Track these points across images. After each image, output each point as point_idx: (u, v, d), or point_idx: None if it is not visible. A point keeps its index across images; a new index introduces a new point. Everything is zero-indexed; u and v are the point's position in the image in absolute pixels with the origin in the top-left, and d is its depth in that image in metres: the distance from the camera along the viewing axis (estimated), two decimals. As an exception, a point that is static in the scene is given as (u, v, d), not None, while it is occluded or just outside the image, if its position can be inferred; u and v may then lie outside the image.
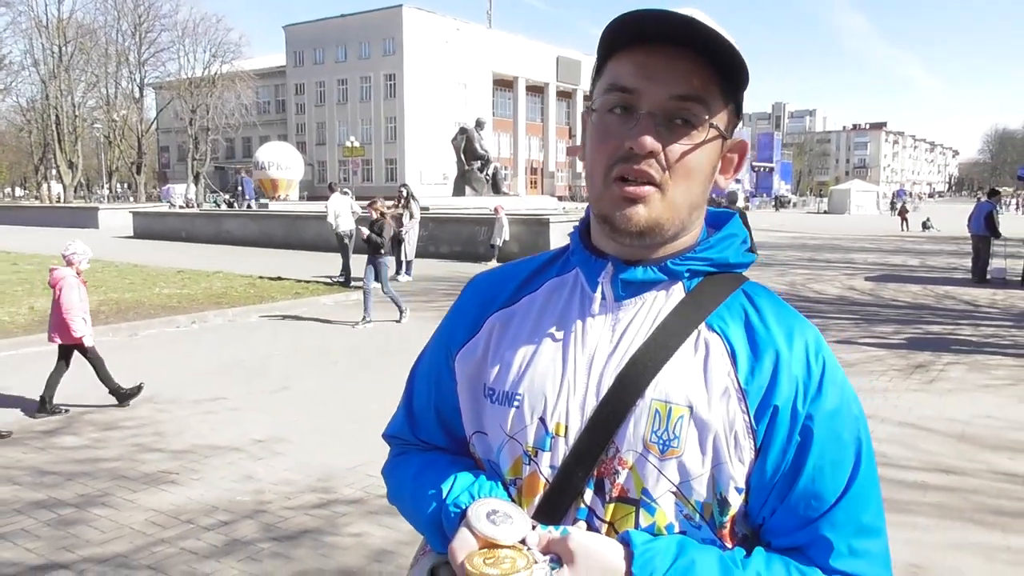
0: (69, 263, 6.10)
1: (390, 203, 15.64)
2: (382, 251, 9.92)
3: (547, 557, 0.88)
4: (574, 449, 0.93)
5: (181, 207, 42.15)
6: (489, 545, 0.88)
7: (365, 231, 9.98)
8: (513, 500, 0.96)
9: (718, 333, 0.95)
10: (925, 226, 32.47)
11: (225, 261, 16.87)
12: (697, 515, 0.92)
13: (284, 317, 10.51)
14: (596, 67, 0.98)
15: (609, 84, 0.92)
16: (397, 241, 13.74)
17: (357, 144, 57.68)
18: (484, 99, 67.25)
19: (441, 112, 63.92)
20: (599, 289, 0.98)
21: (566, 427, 0.94)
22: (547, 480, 0.95)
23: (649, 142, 0.89)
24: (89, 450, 5.15)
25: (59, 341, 6.00)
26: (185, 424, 5.72)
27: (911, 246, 23.99)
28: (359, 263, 11.13)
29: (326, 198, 15.70)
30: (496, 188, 25.37)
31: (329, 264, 15.71)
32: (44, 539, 3.81)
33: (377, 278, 9.90)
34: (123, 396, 6.15)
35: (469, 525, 0.90)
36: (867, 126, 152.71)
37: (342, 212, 13.91)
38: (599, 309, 0.98)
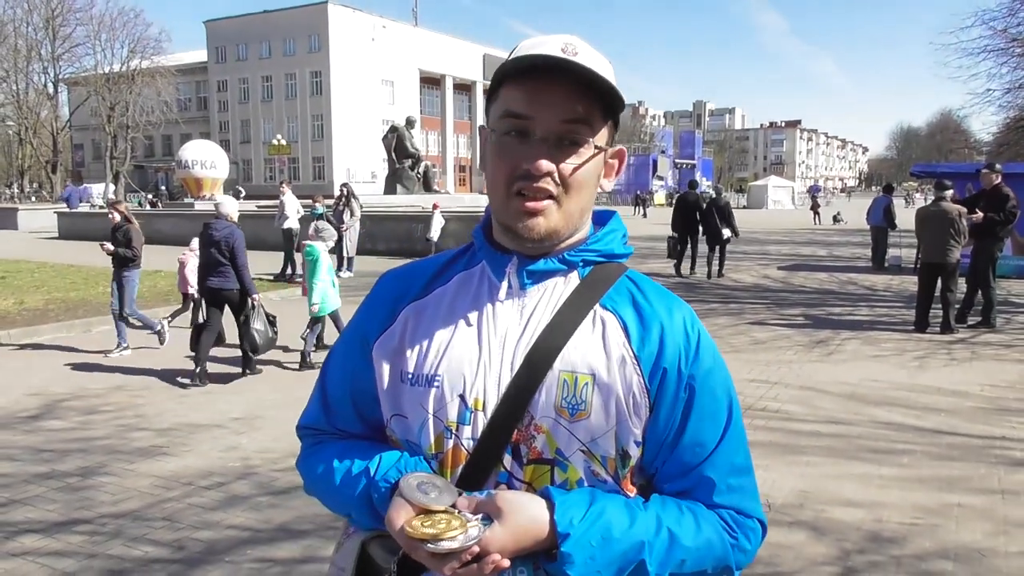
0: None
1: (330, 201, 16.03)
2: (130, 264, 8.04)
3: (478, 516, 0.98)
4: (492, 420, 1.04)
5: (100, 208, 40.88)
6: (423, 512, 0.98)
7: (109, 245, 8.02)
8: (435, 473, 1.06)
9: (611, 311, 1.10)
10: (836, 219, 34.59)
11: (162, 261, 16.89)
12: (602, 469, 1.06)
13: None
14: (490, 90, 1.09)
15: (504, 110, 1.04)
16: (338, 239, 14.13)
17: (283, 142, 56.89)
18: (412, 97, 67.40)
19: (368, 110, 63.78)
20: (506, 279, 1.10)
21: (484, 402, 1.05)
22: (468, 451, 1.05)
23: (545, 165, 1.02)
24: (78, 431, 5.56)
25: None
26: (163, 407, 6.16)
27: (821, 238, 25.67)
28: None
29: (262, 197, 15.93)
30: (428, 186, 25.74)
31: (269, 262, 15.98)
32: (59, 502, 4.27)
33: (120, 298, 8.06)
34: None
35: (403, 495, 1.00)
36: (783, 124, 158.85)
37: (290, 210, 14.23)
38: (506, 296, 1.10)
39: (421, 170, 25.74)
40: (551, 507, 0.99)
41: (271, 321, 7.10)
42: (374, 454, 1.09)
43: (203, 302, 7.48)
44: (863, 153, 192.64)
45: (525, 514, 0.98)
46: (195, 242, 9.09)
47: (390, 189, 25.47)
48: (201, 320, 7.47)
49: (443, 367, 1.07)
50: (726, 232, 14.54)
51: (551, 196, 1.04)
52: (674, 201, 16.63)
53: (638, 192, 52.35)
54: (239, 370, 7.21)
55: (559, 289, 1.10)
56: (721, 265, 14.79)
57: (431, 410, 1.07)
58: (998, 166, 9.97)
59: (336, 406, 1.19)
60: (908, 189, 65.97)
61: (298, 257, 13.29)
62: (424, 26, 69.84)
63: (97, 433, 5.50)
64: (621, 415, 1.05)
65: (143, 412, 6.03)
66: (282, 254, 14.60)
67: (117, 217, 8.13)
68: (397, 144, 25.12)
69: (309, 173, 64.94)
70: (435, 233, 17.56)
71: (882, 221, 16.21)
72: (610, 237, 1.15)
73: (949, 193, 9.20)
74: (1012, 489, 4.43)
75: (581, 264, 1.12)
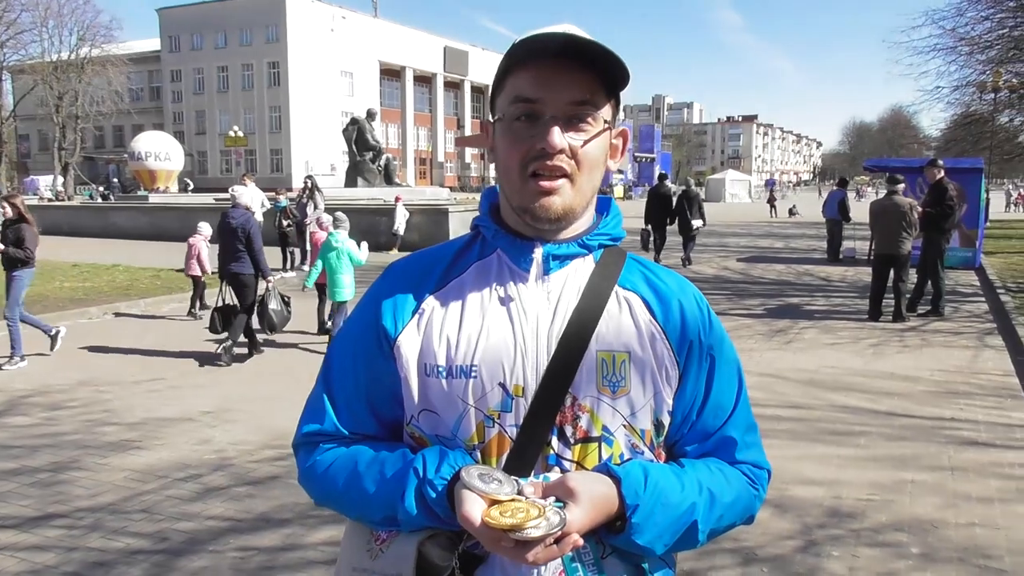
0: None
1: (293, 195, 15.88)
2: (19, 265, 7.35)
3: (549, 499, 0.99)
4: (534, 404, 1.06)
5: (50, 200, 39.81)
6: (490, 503, 0.96)
7: None
8: (478, 463, 1.07)
9: (631, 291, 1.14)
10: (791, 212, 35.34)
11: (119, 255, 16.62)
12: (640, 441, 1.12)
13: (201, 306, 10.75)
14: (496, 81, 1.11)
15: (514, 96, 1.06)
16: (300, 232, 14.02)
17: (240, 134, 55.98)
18: (371, 89, 66.79)
19: (327, 102, 63.07)
20: (533, 265, 1.12)
21: (524, 387, 1.07)
22: (511, 438, 1.07)
23: (559, 141, 1.04)
24: (44, 427, 5.50)
25: None
26: (131, 402, 6.12)
27: (778, 231, 26.26)
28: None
29: (218, 190, 15.74)
30: (389, 179, 25.62)
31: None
32: (33, 497, 4.25)
33: (8, 297, 7.41)
34: None
35: (472, 488, 0.98)
36: (740, 118, 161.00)
37: (255, 204, 14.05)
38: (533, 282, 1.12)
39: (382, 163, 25.64)
40: (616, 482, 1.03)
41: (286, 301, 7.71)
42: (407, 454, 1.09)
43: (223, 285, 7.80)
44: (817, 148, 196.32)
45: (597, 492, 1.01)
46: (204, 227, 9.97)
47: (351, 182, 25.29)
48: (221, 303, 7.67)
49: (479, 357, 1.08)
50: (696, 223, 15.19)
51: (565, 174, 1.06)
52: (647, 194, 17.06)
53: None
54: (213, 354, 7.48)
55: (579, 272, 1.14)
56: (686, 253, 15.37)
57: (470, 401, 1.07)
58: (940, 161, 10.37)
59: (348, 408, 1.16)
60: (860, 183, 67.59)
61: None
62: (384, 17, 69.22)
63: (65, 428, 5.46)
64: (657, 387, 1.11)
65: (111, 407, 5.99)
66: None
67: (10, 212, 7.42)
68: (358, 136, 24.97)
69: (267, 165, 63.99)
70: (400, 226, 17.55)
71: (837, 214, 16.66)
72: (616, 221, 1.20)
73: (901, 187, 9.54)
74: (960, 466, 4.67)
75: (596, 247, 1.16)
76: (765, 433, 4.65)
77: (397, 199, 18.09)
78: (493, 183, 1.25)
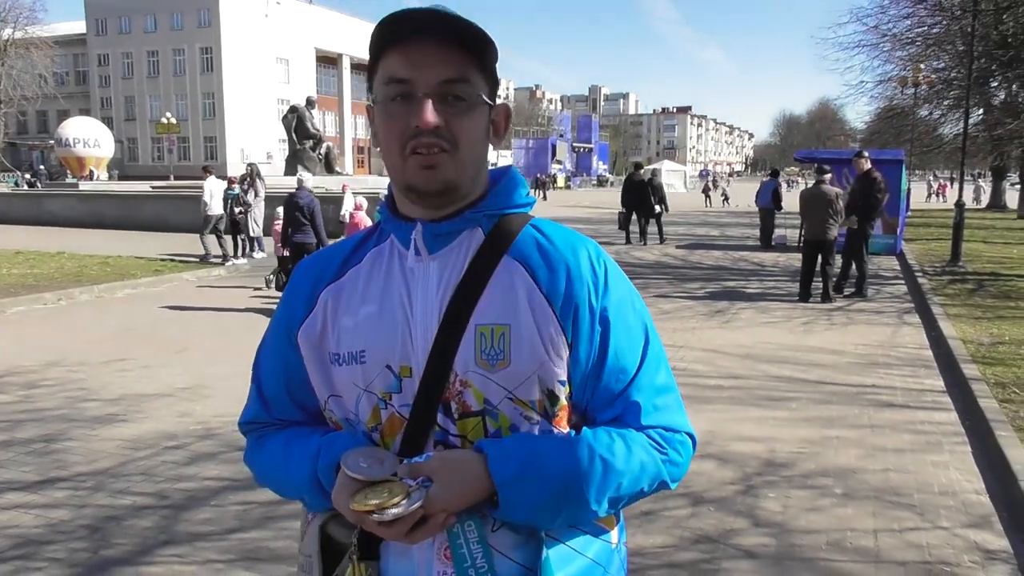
0: None
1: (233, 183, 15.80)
2: None
3: (418, 480, 1.02)
4: (421, 384, 1.08)
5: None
6: (368, 484, 1.01)
7: None
8: (377, 445, 1.10)
9: (517, 260, 1.12)
10: (725, 197, 37.01)
11: (60, 242, 16.33)
12: (533, 413, 1.10)
13: (154, 291, 10.83)
14: (370, 65, 1.12)
15: (388, 77, 1.07)
16: (234, 222, 13.82)
17: (173, 120, 54.54)
18: (308, 76, 65.91)
19: (263, 88, 61.99)
20: (412, 245, 1.13)
21: (410, 368, 1.09)
22: (403, 417, 1.09)
23: (432, 118, 1.04)
24: (26, 403, 5.66)
25: None
26: (105, 380, 6.30)
27: (713, 219, 27.28)
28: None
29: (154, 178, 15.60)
30: (329, 167, 25.46)
31: (176, 243, 15.77)
32: (33, 464, 4.47)
33: None
34: None
35: (345, 472, 1.03)
36: (675, 110, 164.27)
37: (216, 195, 13.99)
38: (415, 262, 1.12)
39: (323, 151, 25.46)
40: (483, 458, 1.04)
41: None
42: (316, 438, 1.14)
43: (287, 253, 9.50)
44: (749, 139, 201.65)
45: (459, 469, 1.03)
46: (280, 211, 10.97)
47: (291, 170, 24.99)
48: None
49: (367, 342, 1.11)
50: (658, 208, 17.56)
51: (443, 149, 1.06)
52: (623, 182, 19.35)
53: (538, 175, 53.42)
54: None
55: (465, 248, 1.13)
56: (660, 232, 17.84)
57: (363, 385, 1.10)
58: (866, 153, 11.17)
59: (272, 398, 1.23)
60: (790, 174, 69.97)
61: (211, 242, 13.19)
62: (320, 4, 68.21)
63: (46, 404, 5.63)
64: (541, 358, 1.08)
65: (86, 385, 6.16)
66: (196, 236, 14.33)
67: None
68: (297, 124, 24.75)
69: (200, 153, 62.52)
70: (347, 214, 17.70)
71: (770, 203, 17.54)
72: (508, 190, 1.18)
73: (828, 177, 10.28)
74: (878, 424, 5.31)
75: (484, 220, 1.15)
76: (708, 400, 5.32)
77: (344, 187, 18.24)
78: None
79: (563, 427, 1.13)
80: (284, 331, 1.20)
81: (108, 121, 60.28)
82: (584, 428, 1.13)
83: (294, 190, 9.56)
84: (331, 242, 8.39)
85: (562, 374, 1.11)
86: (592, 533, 1.15)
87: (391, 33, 1.06)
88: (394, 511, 0.97)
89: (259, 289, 10.83)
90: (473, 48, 1.07)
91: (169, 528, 3.67)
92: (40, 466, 4.44)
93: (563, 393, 1.12)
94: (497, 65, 1.14)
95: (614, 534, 1.20)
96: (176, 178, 41.41)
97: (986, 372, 6.27)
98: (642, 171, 18.85)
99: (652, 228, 17.98)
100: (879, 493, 4.17)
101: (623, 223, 17.99)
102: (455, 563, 1.05)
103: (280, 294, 8.16)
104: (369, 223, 10.45)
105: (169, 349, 7.40)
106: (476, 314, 1.09)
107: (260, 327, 7.49)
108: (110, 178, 46.55)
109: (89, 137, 51.84)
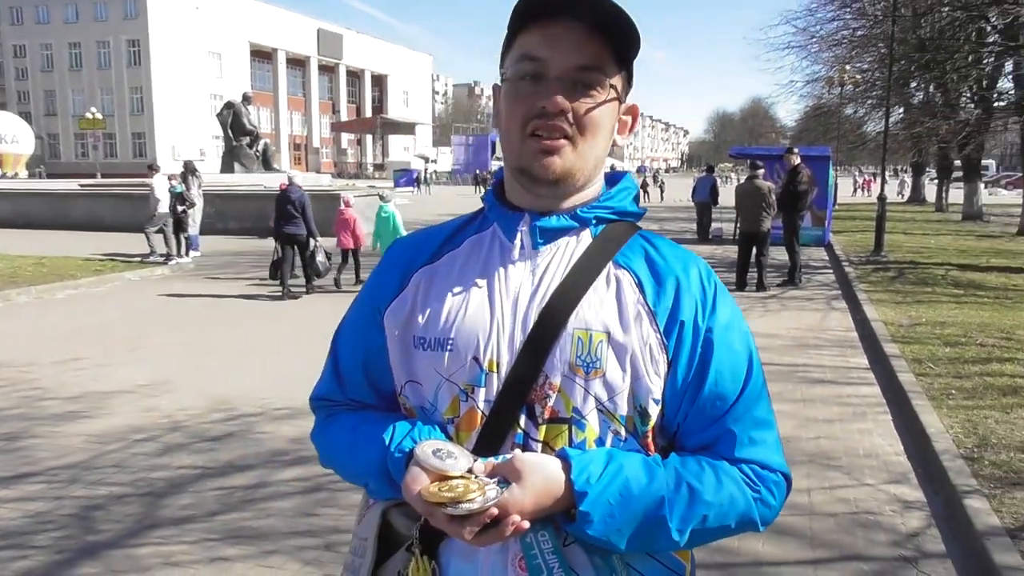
0: None
1: (174, 180, 15.58)
2: None
3: (495, 479, 0.97)
4: (507, 381, 1.03)
5: None
6: (440, 478, 0.97)
7: None
8: (451, 439, 1.06)
9: (625, 268, 1.08)
10: (661, 189, 38.75)
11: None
12: (622, 429, 1.04)
13: (96, 291, 10.67)
14: (506, 41, 1.08)
15: (521, 54, 1.04)
16: (178, 220, 13.50)
17: (98, 116, 52.78)
18: (241, 71, 64.65)
19: (194, 83, 60.54)
20: (518, 238, 1.09)
21: (498, 363, 1.04)
22: (484, 413, 1.04)
23: (560, 101, 1.01)
24: (-19, 403, 5.63)
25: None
26: (61, 379, 6.28)
27: (652, 214, 27.90)
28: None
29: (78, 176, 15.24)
30: (267, 164, 25.10)
31: (112, 243, 15.48)
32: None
33: None
34: None
35: (419, 462, 0.99)
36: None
37: (163, 194, 13.75)
38: (519, 256, 1.09)
39: (260, 148, 25.12)
40: (567, 467, 0.98)
41: (328, 256, 10.38)
42: (388, 424, 1.09)
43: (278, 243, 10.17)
44: (684, 136, 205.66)
45: (541, 474, 0.97)
46: (348, 195, 11.91)
47: (227, 167, 24.67)
48: (275, 258, 10.15)
49: (455, 330, 1.07)
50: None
51: (566, 135, 1.04)
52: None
53: (477, 171, 53.67)
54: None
55: (572, 247, 1.10)
56: None
57: (445, 374, 1.07)
58: (796, 149, 11.78)
59: (348, 377, 1.19)
60: (724, 170, 71.90)
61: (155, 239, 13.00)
62: (254, -3, 66.92)
63: (2, 404, 5.61)
64: (637, 371, 1.04)
65: (41, 385, 6.13)
66: (132, 235, 14.11)
67: None
68: (233, 121, 24.34)
69: (128, 150, 60.76)
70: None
71: (707, 197, 18.18)
72: (623, 194, 1.15)
73: (761, 172, 10.83)
74: (810, 398, 5.76)
75: (594, 222, 1.12)
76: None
77: (281, 185, 18.07)
78: (371, 169, 1.32)
79: (649, 451, 1.08)
80: (369, 309, 1.17)
81: (26, 116, 58.06)
82: (672, 453, 1.08)
83: (286, 186, 10.48)
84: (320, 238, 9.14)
85: (657, 392, 1.06)
86: (668, 566, 1.09)
87: (534, 9, 1.04)
88: (468, 506, 0.94)
89: (264, 280, 10.70)
90: (616, 38, 1.05)
91: (152, 514, 3.80)
92: (7, 463, 4.48)
93: (655, 412, 1.07)
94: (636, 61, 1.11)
95: (687, 570, 1.13)
96: (103, 176, 40.17)
97: (905, 350, 6.81)
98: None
99: None
100: (812, 457, 4.57)
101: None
102: (530, 574, 1.01)
103: (273, 281, 9.64)
104: (358, 218, 10.87)
105: (122, 347, 7.38)
106: (575, 317, 1.04)
107: (215, 323, 7.59)
108: (38, 175, 44.74)
109: (6, 133, 49.75)
